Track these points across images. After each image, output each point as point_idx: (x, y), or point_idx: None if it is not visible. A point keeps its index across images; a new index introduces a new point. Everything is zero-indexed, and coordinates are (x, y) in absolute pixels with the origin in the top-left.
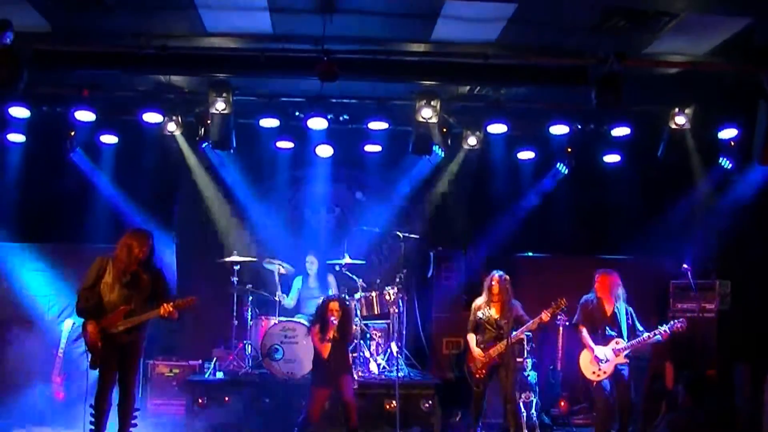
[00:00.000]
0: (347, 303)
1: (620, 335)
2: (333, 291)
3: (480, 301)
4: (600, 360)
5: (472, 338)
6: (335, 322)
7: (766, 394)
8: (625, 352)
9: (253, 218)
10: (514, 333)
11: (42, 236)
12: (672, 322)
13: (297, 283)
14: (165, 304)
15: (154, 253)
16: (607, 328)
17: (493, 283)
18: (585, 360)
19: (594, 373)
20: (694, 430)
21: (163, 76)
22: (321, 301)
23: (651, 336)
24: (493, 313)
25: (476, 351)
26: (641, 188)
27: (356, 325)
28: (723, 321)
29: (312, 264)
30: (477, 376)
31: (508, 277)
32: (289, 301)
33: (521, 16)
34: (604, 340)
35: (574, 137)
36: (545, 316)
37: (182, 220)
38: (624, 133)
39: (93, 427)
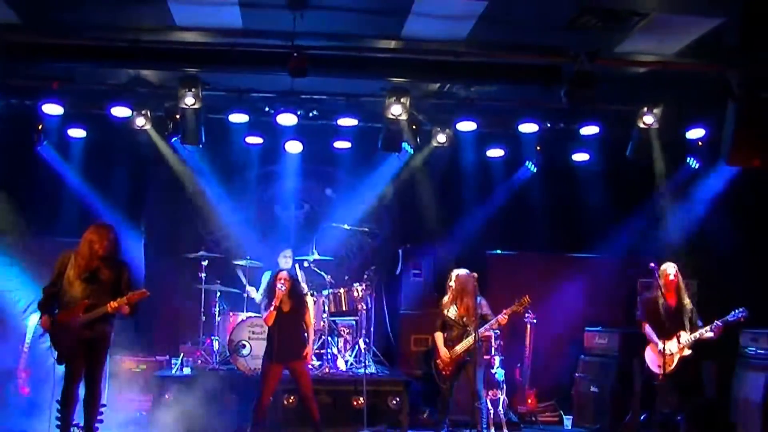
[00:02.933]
0: (296, 277)
1: (683, 328)
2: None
3: (445, 299)
4: (665, 354)
5: (439, 336)
6: (282, 288)
7: (734, 391)
8: (689, 345)
9: (222, 214)
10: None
11: (8, 229)
12: (730, 316)
13: (266, 278)
14: (111, 302)
15: (118, 248)
16: (672, 321)
17: (450, 283)
18: (651, 355)
19: (659, 366)
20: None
21: (133, 69)
22: (270, 273)
23: (707, 331)
24: (457, 311)
25: (442, 350)
26: (610, 187)
27: (324, 321)
28: None
29: (288, 258)
30: (444, 373)
31: (473, 274)
32: (258, 296)
33: (491, 13)
34: (668, 335)
35: (543, 135)
36: (503, 318)
37: (151, 215)
38: (593, 132)
39: (59, 423)
